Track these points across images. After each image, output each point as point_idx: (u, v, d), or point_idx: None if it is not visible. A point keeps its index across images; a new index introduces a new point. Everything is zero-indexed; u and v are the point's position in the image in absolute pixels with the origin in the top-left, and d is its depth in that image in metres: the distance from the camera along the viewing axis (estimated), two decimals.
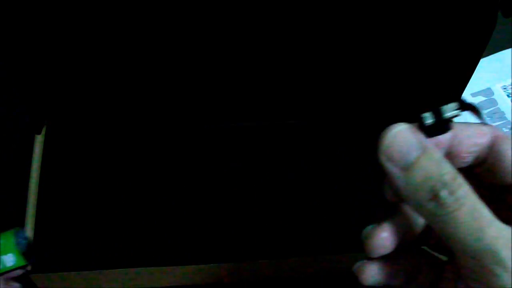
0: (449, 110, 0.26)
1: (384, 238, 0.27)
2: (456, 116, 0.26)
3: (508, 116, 0.60)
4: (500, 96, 0.62)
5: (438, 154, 0.24)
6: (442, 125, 0.26)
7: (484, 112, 0.60)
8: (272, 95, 0.49)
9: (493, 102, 0.61)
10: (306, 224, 0.48)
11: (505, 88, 0.62)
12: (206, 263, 0.44)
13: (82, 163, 0.50)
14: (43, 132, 0.49)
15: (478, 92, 0.62)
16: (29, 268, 0.41)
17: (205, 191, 0.49)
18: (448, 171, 0.23)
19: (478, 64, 0.47)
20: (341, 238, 0.48)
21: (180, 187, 0.49)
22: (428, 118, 0.26)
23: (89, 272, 0.43)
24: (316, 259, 0.45)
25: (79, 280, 0.44)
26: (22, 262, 0.32)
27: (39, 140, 0.48)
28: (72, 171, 0.49)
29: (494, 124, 0.59)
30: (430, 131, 0.26)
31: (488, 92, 0.62)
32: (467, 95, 0.61)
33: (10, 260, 0.32)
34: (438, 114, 0.26)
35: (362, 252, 0.45)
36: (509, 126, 0.59)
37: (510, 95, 0.62)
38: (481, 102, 0.61)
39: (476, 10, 0.42)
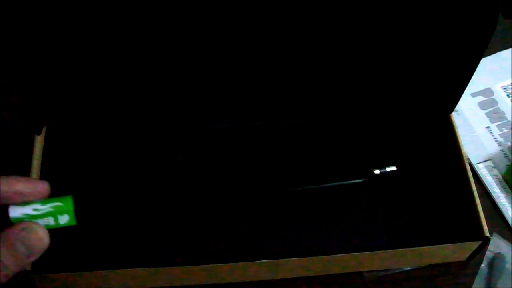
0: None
1: None
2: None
3: (508, 116, 0.60)
4: (500, 96, 0.62)
5: None
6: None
7: (484, 112, 0.60)
8: (272, 95, 0.49)
9: (493, 102, 0.61)
10: (306, 224, 0.48)
11: (505, 88, 0.62)
12: (206, 263, 0.44)
13: (82, 163, 0.50)
14: (43, 132, 0.49)
15: (478, 92, 0.62)
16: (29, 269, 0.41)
17: (205, 191, 0.49)
18: None
19: (478, 64, 0.47)
20: (340, 238, 0.48)
21: (180, 187, 0.49)
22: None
23: (89, 272, 0.43)
24: (316, 259, 0.45)
25: (79, 280, 0.44)
26: (73, 222, 0.36)
27: (39, 140, 0.48)
28: (72, 171, 0.49)
29: (494, 124, 0.59)
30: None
31: (488, 92, 0.62)
32: (467, 95, 0.61)
33: (64, 219, 0.36)
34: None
35: (362, 251, 0.45)
36: (509, 126, 0.59)
37: (510, 95, 0.62)
38: (481, 102, 0.61)
39: (477, 11, 0.42)
